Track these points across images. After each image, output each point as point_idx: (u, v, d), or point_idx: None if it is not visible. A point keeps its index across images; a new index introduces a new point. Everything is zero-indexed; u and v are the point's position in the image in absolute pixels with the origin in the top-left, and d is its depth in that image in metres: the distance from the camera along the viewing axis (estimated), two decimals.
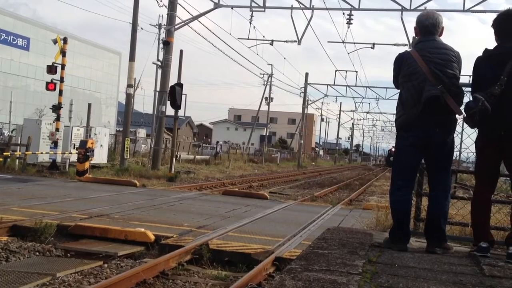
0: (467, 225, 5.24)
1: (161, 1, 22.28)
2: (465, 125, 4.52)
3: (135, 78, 25.56)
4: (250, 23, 24.62)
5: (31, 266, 5.81)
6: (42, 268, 5.73)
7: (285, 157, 62.72)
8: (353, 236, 4.82)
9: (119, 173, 18.71)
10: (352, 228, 6.24)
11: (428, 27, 4.42)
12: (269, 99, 52.00)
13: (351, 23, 23.73)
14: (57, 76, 17.72)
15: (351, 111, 74.79)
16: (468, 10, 20.65)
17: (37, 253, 6.53)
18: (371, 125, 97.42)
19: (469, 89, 4.50)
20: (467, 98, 4.41)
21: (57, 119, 18.20)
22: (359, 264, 3.56)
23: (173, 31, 21.71)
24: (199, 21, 23.16)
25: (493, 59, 4.22)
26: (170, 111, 20.77)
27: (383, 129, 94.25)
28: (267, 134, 59.00)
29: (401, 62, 4.46)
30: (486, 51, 4.31)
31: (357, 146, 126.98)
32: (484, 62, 4.28)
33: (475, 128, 4.42)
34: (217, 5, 21.95)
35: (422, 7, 20.22)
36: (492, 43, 4.40)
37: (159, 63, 21.62)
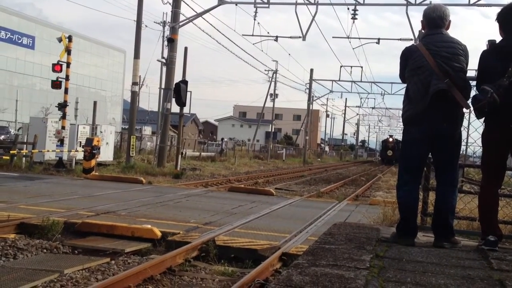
0: (474, 219, 5.22)
1: None
2: (472, 118, 4.49)
3: (140, 76, 25.57)
4: (255, 19, 24.56)
5: (38, 263, 5.83)
6: (50, 265, 5.75)
7: (291, 154, 62.65)
8: (360, 231, 4.81)
9: (125, 171, 18.75)
10: (359, 223, 6.23)
11: (435, 19, 4.39)
12: (274, 96, 51.94)
13: (356, 18, 23.66)
14: (62, 74, 17.76)
15: (356, 106, 74.75)
16: (474, 4, 20.54)
17: (45, 250, 6.56)
18: (377, 121, 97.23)
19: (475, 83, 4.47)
20: (474, 91, 4.39)
21: (63, 117, 18.26)
22: (366, 259, 3.55)
23: (178, 28, 21.70)
24: (203, 18, 23.17)
25: (499, 52, 4.19)
26: (175, 108, 20.80)
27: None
28: (272, 130, 58.95)
29: (407, 56, 4.43)
30: (491, 43, 4.28)
31: (363, 141, 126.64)
32: (491, 55, 4.25)
33: (482, 122, 4.39)
34: (221, 2, 21.92)
35: (427, 1, 20.12)
36: (494, 37, 4.37)
37: (163, 60, 21.61)
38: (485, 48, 4.35)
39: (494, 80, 4.09)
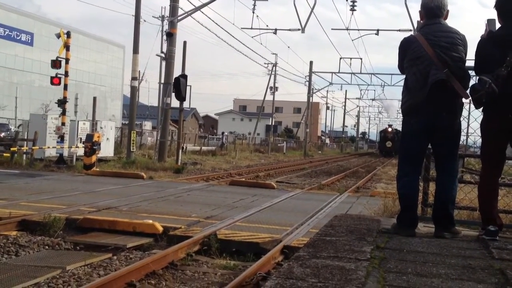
0: (475, 209, 5.22)
1: None
2: (472, 108, 4.48)
3: (139, 71, 25.51)
4: (253, 12, 24.53)
5: (40, 260, 5.84)
6: (52, 261, 5.76)
7: (291, 146, 62.64)
8: (361, 223, 4.81)
9: (126, 166, 18.77)
10: (360, 215, 6.23)
11: (433, 9, 4.37)
12: (274, 89, 51.86)
13: (355, 10, 23.63)
14: (61, 71, 17.74)
15: (356, 98, 74.62)
16: None
17: (47, 247, 6.57)
18: (377, 112, 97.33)
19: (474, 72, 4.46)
20: (473, 81, 4.37)
21: (63, 113, 18.26)
22: (367, 250, 3.56)
23: (176, 23, 21.64)
24: (202, 12, 23.09)
25: (497, 40, 4.17)
26: (175, 103, 20.77)
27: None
28: (273, 123, 58.88)
29: (406, 47, 4.42)
30: (491, 23, 4.26)
31: (364, 133, 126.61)
32: (488, 44, 4.23)
33: (481, 112, 4.38)
34: None
35: None
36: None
37: (163, 55, 21.57)
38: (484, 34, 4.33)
39: (492, 68, 4.07)
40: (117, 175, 15.89)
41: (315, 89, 55.88)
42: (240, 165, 27.62)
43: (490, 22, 4.32)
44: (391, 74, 49.02)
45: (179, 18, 21.81)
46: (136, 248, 6.78)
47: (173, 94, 20.09)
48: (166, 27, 22.67)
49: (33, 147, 17.75)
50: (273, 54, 53.40)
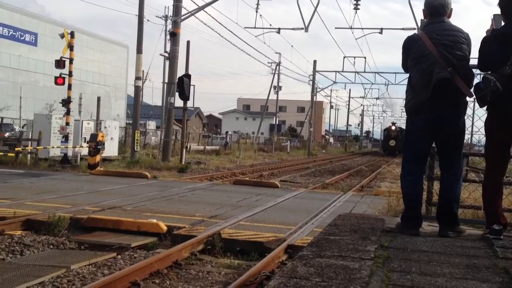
0: (479, 208, 5.21)
1: None
2: (476, 107, 4.48)
3: (143, 71, 25.55)
4: (256, 11, 24.52)
5: (45, 259, 5.86)
6: (56, 260, 5.77)
7: (295, 146, 62.57)
8: (365, 222, 4.81)
9: (130, 166, 18.79)
10: (364, 214, 6.23)
11: (437, 7, 4.36)
12: (277, 88, 51.87)
13: (358, 9, 23.61)
14: (65, 71, 17.78)
15: (360, 97, 74.63)
16: None
17: (51, 246, 6.59)
18: (381, 111, 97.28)
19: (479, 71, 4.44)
20: (477, 79, 4.36)
21: (67, 113, 18.30)
22: (371, 249, 3.55)
23: (180, 22, 21.66)
24: (205, 11, 23.13)
25: (501, 38, 4.15)
26: (179, 102, 20.82)
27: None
28: (277, 123, 58.92)
29: (410, 45, 4.41)
30: (494, 30, 4.25)
31: (367, 132, 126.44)
32: (492, 42, 4.21)
33: (485, 110, 4.36)
34: None
35: None
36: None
37: (166, 54, 21.61)
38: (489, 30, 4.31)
39: (496, 66, 4.06)
40: (121, 174, 15.92)
41: (319, 88, 55.99)
42: (244, 164, 27.61)
43: (497, 17, 4.30)
44: (395, 73, 48.90)
45: (182, 17, 21.83)
46: (141, 247, 6.79)
47: (177, 93, 20.14)
48: (169, 26, 22.74)
49: (38, 147, 17.80)
50: (277, 53, 53.76)
